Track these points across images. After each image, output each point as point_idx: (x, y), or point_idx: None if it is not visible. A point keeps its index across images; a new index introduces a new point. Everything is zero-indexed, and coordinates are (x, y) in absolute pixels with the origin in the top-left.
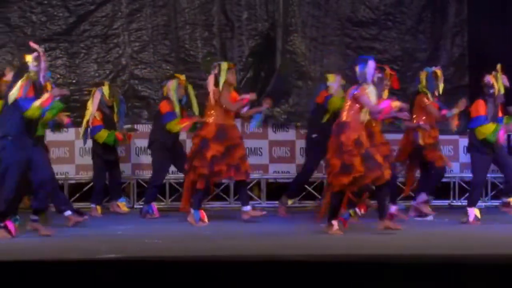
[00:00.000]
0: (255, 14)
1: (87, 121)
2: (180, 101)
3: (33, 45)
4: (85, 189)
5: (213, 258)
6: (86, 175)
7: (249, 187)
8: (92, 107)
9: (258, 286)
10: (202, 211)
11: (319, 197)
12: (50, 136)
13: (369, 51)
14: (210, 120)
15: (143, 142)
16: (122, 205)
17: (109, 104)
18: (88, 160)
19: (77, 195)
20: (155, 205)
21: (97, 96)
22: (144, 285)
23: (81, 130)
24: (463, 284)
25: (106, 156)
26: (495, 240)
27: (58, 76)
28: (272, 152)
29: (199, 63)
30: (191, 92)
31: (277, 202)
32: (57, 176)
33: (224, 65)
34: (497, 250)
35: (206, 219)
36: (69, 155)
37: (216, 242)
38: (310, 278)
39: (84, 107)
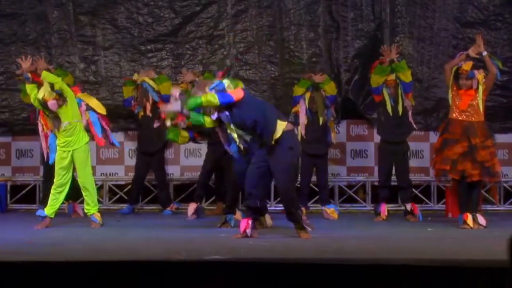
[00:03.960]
0: (361, 14)
1: None
2: None
3: None
4: (190, 190)
5: (319, 260)
6: (191, 176)
7: (353, 190)
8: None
9: None
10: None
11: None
12: None
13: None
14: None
15: None
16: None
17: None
18: (192, 161)
19: (182, 196)
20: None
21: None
22: (248, 286)
23: None
24: None
25: None
26: None
27: None
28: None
29: (304, 64)
30: None
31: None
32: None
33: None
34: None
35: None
36: (174, 156)
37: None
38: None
39: None
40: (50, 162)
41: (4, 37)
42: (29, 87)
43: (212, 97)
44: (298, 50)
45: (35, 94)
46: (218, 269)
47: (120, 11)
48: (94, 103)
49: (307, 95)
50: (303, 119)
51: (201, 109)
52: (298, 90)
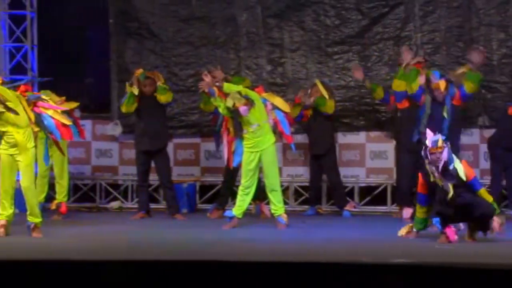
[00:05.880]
0: None
1: None
2: None
3: None
4: (375, 192)
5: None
6: (377, 178)
7: None
8: None
9: None
10: None
11: None
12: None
13: None
14: None
15: None
16: None
17: None
18: (378, 163)
19: (367, 198)
20: None
21: None
22: None
23: None
24: None
25: None
26: None
27: (350, 79)
28: None
29: (494, 66)
30: None
31: None
32: (347, 179)
33: None
34: None
35: None
36: (360, 158)
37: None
38: None
39: (374, 110)
40: (235, 165)
41: (194, 39)
42: (215, 101)
43: None
44: (488, 51)
45: (223, 105)
46: (403, 272)
47: (307, 14)
48: (279, 101)
49: None
50: None
51: None
52: None
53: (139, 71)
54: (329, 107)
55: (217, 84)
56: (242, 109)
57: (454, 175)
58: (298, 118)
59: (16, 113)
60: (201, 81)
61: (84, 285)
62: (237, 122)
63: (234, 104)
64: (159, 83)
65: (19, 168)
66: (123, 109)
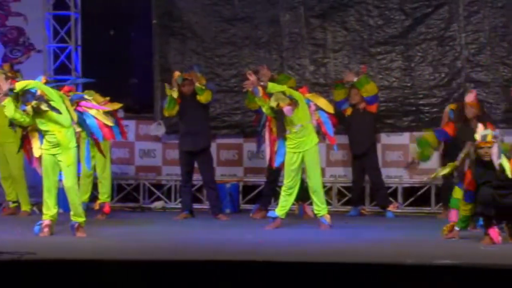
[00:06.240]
0: None
1: None
2: None
3: None
4: (419, 193)
5: None
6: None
7: None
8: None
9: None
10: None
11: None
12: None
13: None
14: None
15: None
16: None
17: None
18: (422, 164)
19: (411, 199)
20: None
21: None
22: None
23: None
24: None
25: None
26: None
27: (394, 79)
28: None
29: None
30: None
31: None
32: (390, 180)
33: None
34: None
35: None
36: (403, 159)
37: None
38: None
39: (418, 111)
40: (277, 165)
41: (237, 40)
42: (259, 100)
43: None
44: None
45: (267, 105)
46: (447, 273)
47: (350, 14)
48: (322, 102)
49: None
50: None
51: None
52: None
53: (177, 74)
54: (372, 88)
55: (261, 83)
56: (286, 109)
57: None
58: (340, 104)
59: (59, 112)
60: (244, 80)
61: (127, 284)
62: (280, 122)
63: (278, 104)
64: (197, 84)
65: (61, 168)
66: (166, 113)
